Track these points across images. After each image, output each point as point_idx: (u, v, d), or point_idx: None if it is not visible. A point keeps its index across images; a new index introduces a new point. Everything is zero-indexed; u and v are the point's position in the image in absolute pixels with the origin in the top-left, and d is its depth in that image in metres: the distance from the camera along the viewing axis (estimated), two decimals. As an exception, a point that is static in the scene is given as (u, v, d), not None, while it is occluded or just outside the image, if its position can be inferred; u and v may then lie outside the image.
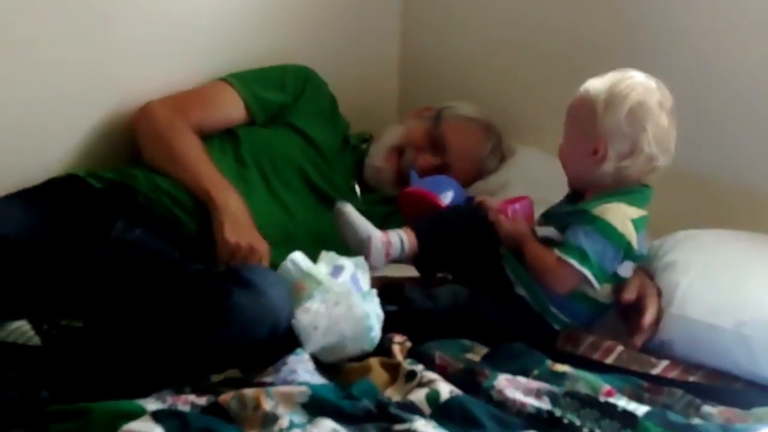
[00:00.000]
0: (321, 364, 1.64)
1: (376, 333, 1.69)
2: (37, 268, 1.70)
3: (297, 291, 1.71)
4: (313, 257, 1.86)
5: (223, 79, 2.22)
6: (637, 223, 1.76)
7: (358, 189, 2.27)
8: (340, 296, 1.70)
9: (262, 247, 1.92)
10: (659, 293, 1.79)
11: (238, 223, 1.93)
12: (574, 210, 1.81)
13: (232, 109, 2.20)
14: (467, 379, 1.56)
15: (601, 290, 1.78)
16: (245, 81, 2.22)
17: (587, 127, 1.78)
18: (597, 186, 1.80)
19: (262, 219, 2.01)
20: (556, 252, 1.75)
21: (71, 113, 2.08)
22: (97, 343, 1.59)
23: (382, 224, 2.21)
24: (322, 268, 1.75)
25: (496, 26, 2.46)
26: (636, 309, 1.78)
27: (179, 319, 1.60)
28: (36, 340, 1.58)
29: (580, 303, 1.79)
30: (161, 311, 1.61)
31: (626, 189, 1.79)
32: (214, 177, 2.01)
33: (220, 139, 2.16)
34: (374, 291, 1.74)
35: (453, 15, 2.56)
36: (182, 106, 2.13)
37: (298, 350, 1.63)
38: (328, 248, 2.08)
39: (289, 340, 1.66)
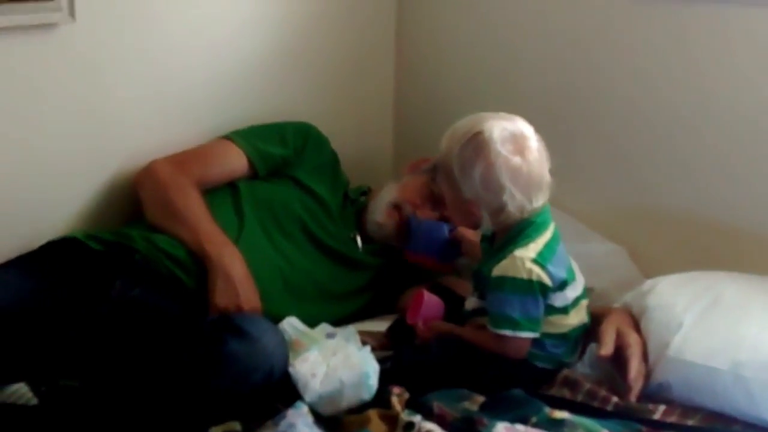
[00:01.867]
0: (320, 417, 1.65)
1: (374, 382, 1.69)
2: (34, 335, 1.72)
3: (295, 347, 1.74)
4: (315, 308, 1.88)
5: (225, 137, 2.26)
6: (541, 257, 1.74)
7: (359, 240, 2.28)
8: (337, 347, 1.73)
9: (251, 307, 1.92)
10: (642, 341, 1.77)
11: (231, 282, 1.93)
12: (479, 274, 1.82)
13: (234, 163, 2.22)
14: (466, 427, 1.56)
15: (553, 325, 1.78)
16: (246, 136, 2.25)
17: (455, 192, 1.80)
18: (496, 229, 1.81)
19: (262, 270, 2.02)
20: (489, 328, 1.75)
21: (71, 180, 2.11)
22: (95, 401, 1.60)
23: (382, 274, 2.24)
24: (316, 331, 1.82)
25: (489, 81, 2.49)
26: (621, 362, 1.76)
27: (176, 369, 1.63)
28: (34, 402, 1.59)
29: (542, 338, 1.78)
30: (158, 363, 1.63)
31: (514, 231, 1.77)
32: (212, 233, 2.01)
33: (222, 192, 2.17)
34: (368, 347, 1.77)
35: (446, 70, 2.59)
36: (184, 162, 2.16)
37: (297, 403, 1.63)
38: (329, 298, 2.13)
39: (287, 391, 1.67)
